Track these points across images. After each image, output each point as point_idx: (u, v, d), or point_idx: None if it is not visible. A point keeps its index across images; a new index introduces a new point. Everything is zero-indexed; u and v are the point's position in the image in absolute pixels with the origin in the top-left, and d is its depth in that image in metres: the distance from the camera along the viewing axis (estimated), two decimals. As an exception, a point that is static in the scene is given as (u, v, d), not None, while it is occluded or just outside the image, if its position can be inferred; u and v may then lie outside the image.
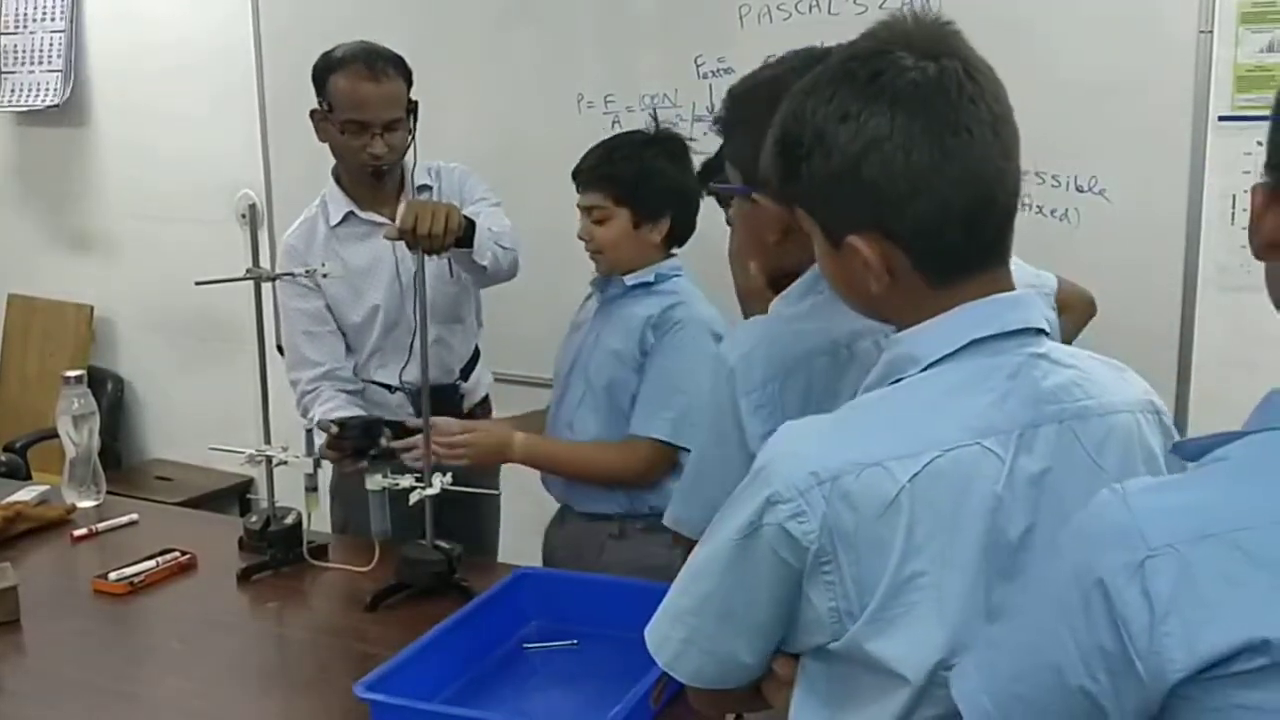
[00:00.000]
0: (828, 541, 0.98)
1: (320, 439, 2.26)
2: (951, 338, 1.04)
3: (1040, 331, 1.07)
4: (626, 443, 2.23)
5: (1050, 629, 0.84)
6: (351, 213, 2.49)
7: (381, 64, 2.36)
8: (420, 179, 2.50)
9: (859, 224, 1.05)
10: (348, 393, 2.48)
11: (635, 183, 2.21)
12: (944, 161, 1.01)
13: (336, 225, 2.49)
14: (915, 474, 0.98)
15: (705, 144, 3.00)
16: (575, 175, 2.27)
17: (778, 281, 1.49)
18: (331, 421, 2.23)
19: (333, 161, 2.51)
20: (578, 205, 2.27)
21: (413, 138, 2.42)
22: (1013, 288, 1.08)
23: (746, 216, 1.41)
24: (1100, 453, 1.05)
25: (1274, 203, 0.86)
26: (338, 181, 2.50)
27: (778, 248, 1.34)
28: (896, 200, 1.02)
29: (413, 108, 2.42)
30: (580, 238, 2.27)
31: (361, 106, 2.36)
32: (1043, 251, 1.65)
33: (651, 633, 1.14)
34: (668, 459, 2.21)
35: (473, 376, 2.65)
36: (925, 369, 1.04)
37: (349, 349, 2.54)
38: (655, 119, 2.36)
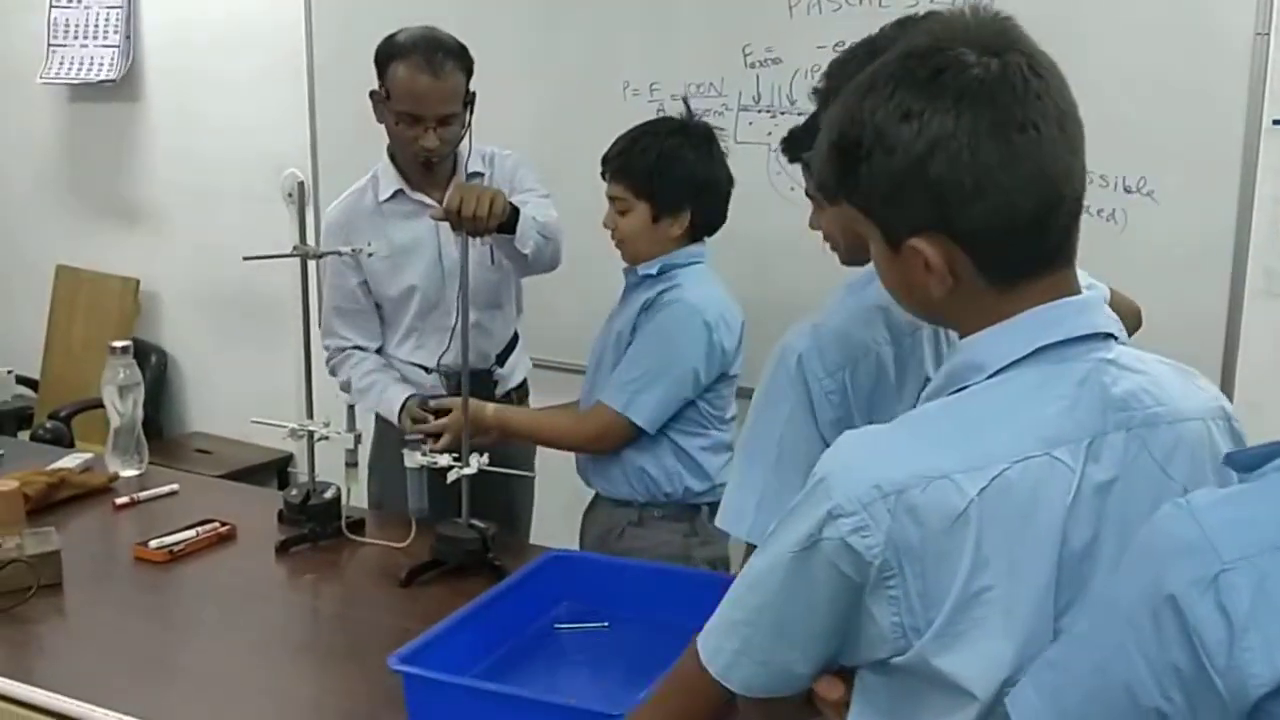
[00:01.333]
0: (892, 556, 0.96)
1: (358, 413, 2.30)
2: (1018, 344, 1.02)
3: (1109, 336, 1.05)
4: (589, 410, 2.29)
5: (1119, 649, 0.82)
6: (401, 190, 2.51)
7: (441, 57, 2.35)
8: (474, 165, 2.51)
9: (922, 225, 1.02)
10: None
11: (653, 176, 2.24)
12: (1011, 159, 0.98)
13: (385, 201, 2.51)
14: (984, 488, 0.95)
15: (751, 134, 3.05)
16: (602, 163, 2.29)
17: (855, 256, 1.48)
18: (421, 402, 2.33)
19: (382, 141, 2.52)
20: (606, 194, 2.29)
21: (468, 128, 2.43)
22: (1079, 290, 1.05)
23: None
24: (1169, 462, 1.03)
25: None
26: (392, 159, 2.52)
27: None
28: (962, 199, 0.99)
29: (470, 99, 2.42)
30: (605, 226, 2.30)
31: (417, 100, 2.36)
32: (1087, 251, 1.63)
33: (704, 642, 1.12)
34: (623, 429, 2.24)
35: (509, 363, 2.67)
36: (990, 376, 1.02)
37: (385, 323, 2.57)
38: (688, 107, 2.38)
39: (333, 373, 2.57)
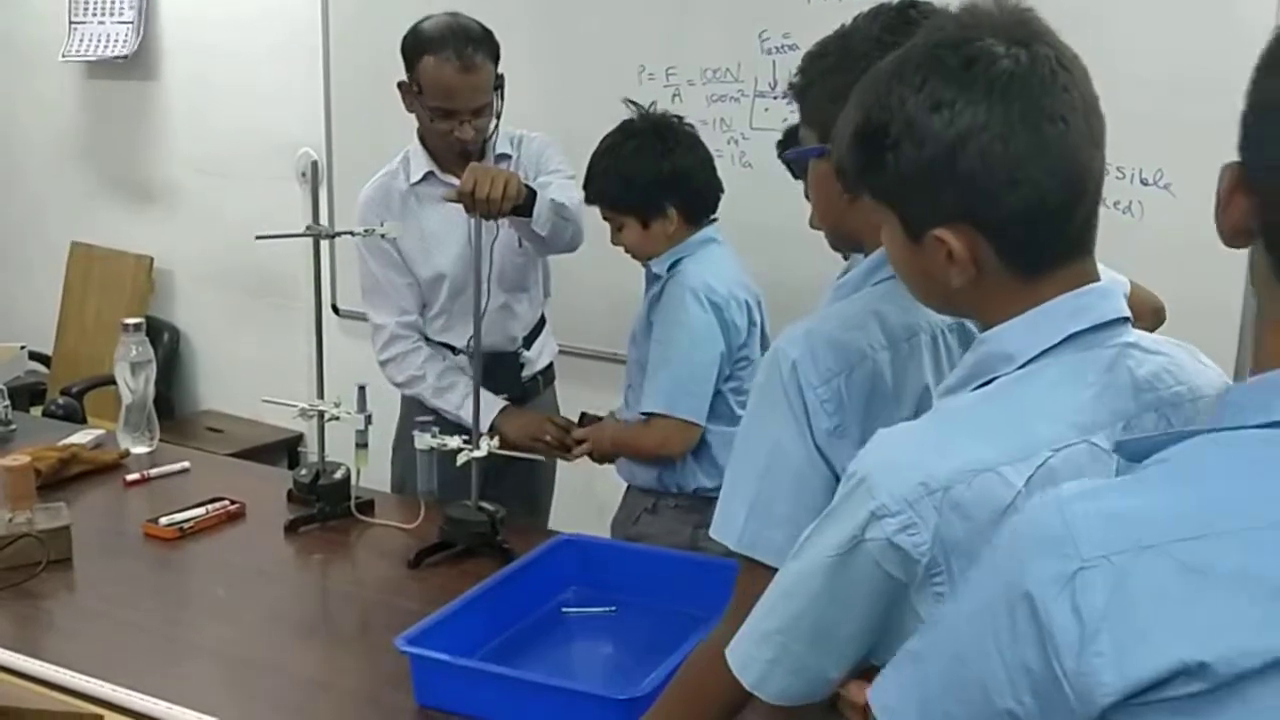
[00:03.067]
0: (940, 553, 0.95)
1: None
2: (1048, 333, 1.02)
3: (1127, 320, 1.05)
4: (645, 423, 2.30)
5: (977, 643, 0.78)
6: (431, 173, 2.50)
7: (471, 50, 2.32)
8: (502, 147, 2.49)
9: (948, 216, 1.02)
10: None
11: (622, 193, 2.26)
12: (1041, 151, 0.99)
13: (416, 183, 2.50)
14: (1030, 477, 0.95)
15: (767, 120, 3.03)
16: (584, 189, 2.32)
17: (843, 249, 1.48)
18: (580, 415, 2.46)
19: (396, 122, 2.52)
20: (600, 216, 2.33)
21: (498, 112, 2.42)
22: (1099, 278, 1.06)
23: (821, 176, 1.37)
24: None
25: (1241, 186, 0.82)
26: (422, 142, 2.51)
27: (851, 207, 1.29)
28: (993, 191, 0.99)
29: (499, 83, 2.40)
30: (613, 244, 2.34)
31: (451, 95, 2.34)
32: (1103, 243, 1.63)
33: (734, 653, 1.11)
34: (679, 430, 2.25)
35: (535, 345, 2.67)
36: (1021, 366, 1.01)
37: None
38: (637, 106, 2.36)
39: (388, 360, 2.52)
